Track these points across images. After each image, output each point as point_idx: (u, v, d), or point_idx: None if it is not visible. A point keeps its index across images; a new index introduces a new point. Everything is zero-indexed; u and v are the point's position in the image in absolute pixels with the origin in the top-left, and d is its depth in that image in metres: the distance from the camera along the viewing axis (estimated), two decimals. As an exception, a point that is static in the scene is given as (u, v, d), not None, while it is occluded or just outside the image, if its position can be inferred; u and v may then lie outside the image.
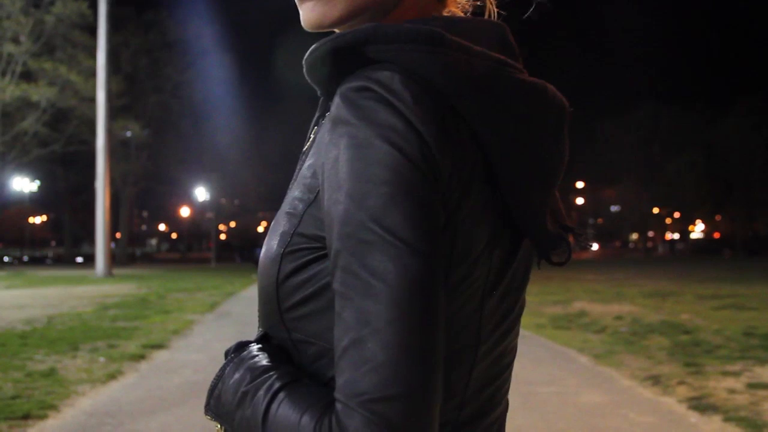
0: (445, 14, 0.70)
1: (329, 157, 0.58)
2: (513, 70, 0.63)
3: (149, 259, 62.69)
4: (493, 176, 0.62)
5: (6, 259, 51.91)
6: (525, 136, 0.62)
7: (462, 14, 0.74)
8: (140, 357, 7.34)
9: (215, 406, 0.69)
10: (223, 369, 0.70)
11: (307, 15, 0.68)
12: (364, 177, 0.55)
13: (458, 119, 0.59)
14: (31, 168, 40.86)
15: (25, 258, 55.39)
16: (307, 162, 0.68)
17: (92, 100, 27.34)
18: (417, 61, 0.58)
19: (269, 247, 0.66)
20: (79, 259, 53.49)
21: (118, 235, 48.03)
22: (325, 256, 0.61)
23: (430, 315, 0.54)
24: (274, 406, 0.59)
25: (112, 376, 6.31)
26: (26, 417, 4.83)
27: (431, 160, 0.56)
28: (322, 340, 0.62)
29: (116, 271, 27.37)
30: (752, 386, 5.66)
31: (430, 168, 0.56)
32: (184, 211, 64.63)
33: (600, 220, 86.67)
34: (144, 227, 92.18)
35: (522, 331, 9.79)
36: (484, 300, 0.65)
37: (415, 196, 0.55)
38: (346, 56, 0.60)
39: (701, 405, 5.09)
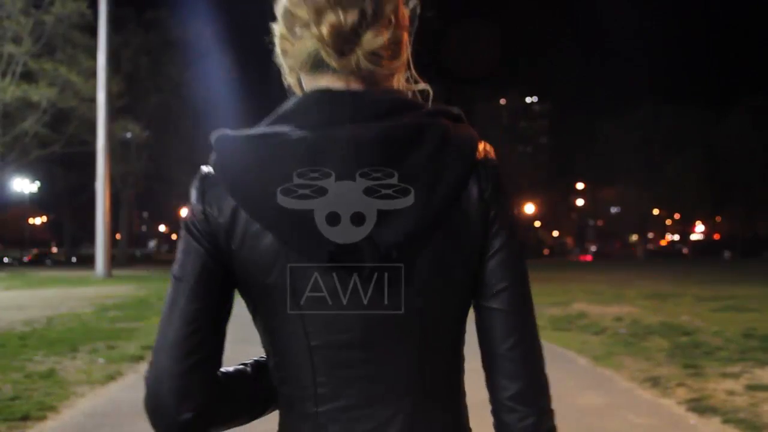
0: (322, 84, 0.91)
1: None
2: (290, 128, 0.88)
3: (149, 260, 62.69)
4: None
5: (6, 260, 51.88)
6: (270, 182, 0.85)
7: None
8: (139, 358, 7.34)
9: None
10: None
11: None
12: None
13: (217, 182, 0.89)
14: (31, 169, 40.86)
15: (25, 259, 55.36)
16: None
17: (92, 100, 27.30)
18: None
19: None
20: (73, 259, 53.71)
21: (118, 236, 48.02)
22: None
23: (168, 311, 0.89)
24: None
25: (111, 378, 6.31)
26: (25, 418, 4.83)
27: (194, 218, 0.90)
28: None
29: (116, 272, 27.35)
30: (751, 388, 5.66)
31: (193, 222, 0.90)
32: (185, 212, 64.53)
33: (600, 222, 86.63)
34: (144, 228, 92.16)
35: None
36: (298, 298, 0.87)
37: (181, 244, 0.91)
38: None
39: (700, 407, 5.10)
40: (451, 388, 0.93)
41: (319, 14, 0.88)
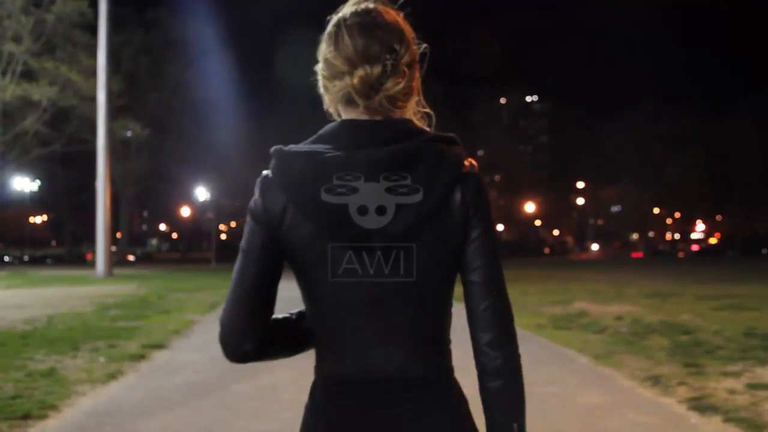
0: (351, 116, 1.22)
1: None
2: (327, 147, 1.18)
3: (149, 259, 62.70)
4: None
5: (6, 258, 51.89)
6: (311, 185, 1.15)
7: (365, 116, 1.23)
8: (140, 357, 7.34)
9: None
10: None
11: None
12: None
13: (274, 183, 1.19)
14: (32, 168, 40.86)
15: (26, 258, 55.37)
16: None
17: (93, 99, 27.25)
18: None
19: None
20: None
21: (118, 234, 48.00)
22: None
23: (237, 275, 1.21)
24: None
25: (112, 376, 6.31)
26: (26, 417, 4.83)
27: (256, 208, 1.20)
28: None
29: (116, 271, 27.36)
30: (752, 387, 5.66)
31: (256, 210, 1.20)
32: (185, 211, 64.62)
33: (600, 221, 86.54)
34: (144, 227, 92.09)
35: (522, 332, 9.77)
36: (335, 269, 1.17)
37: (247, 227, 1.22)
38: None
39: (701, 405, 5.09)
40: (438, 337, 1.23)
41: (352, 67, 1.18)
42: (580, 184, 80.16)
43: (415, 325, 1.19)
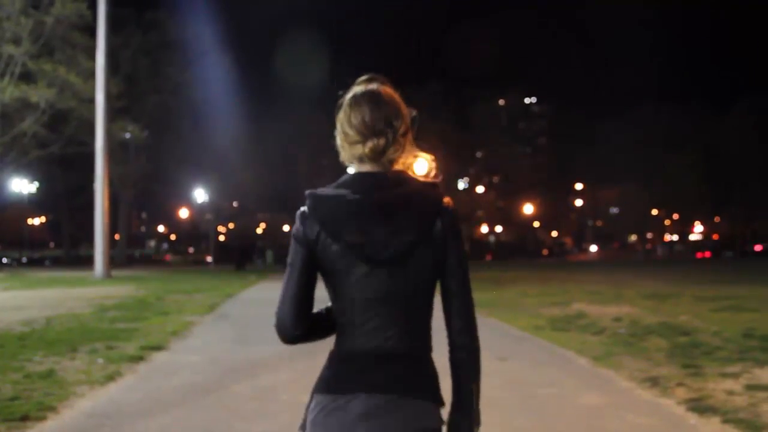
0: (362, 169, 1.66)
1: None
2: (348, 192, 1.61)
3: (149, 261, 62.59)
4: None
5: (4, 260, 51.80)
6: (337, 218, 1.59)
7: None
8: (139, 358, 7.33)
9: None
10: None
11: None
12: None
13: (310, 216, 1.61)
14: (30, 169, 40.79)
15: (24, 259, 55.27)
16: None
17: (91, 101, 27.23)
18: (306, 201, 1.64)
19: None
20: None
21: (116, 236, 47.94)
22: None
23: (287, 281, 1.64)
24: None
25: (110, 378, 6.30)
26: (25, 418, 4.82)
27: (298, 233, 1.63)
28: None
29: (115, 272, 27.31)
30: (751, 388, 5.65)
31: (298, 235, 1.63)
32: (183, 213, 64.53)
33: (599, 222, 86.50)
34: (143, 229, 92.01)
35: (520, 333, 9.81)
36: (351, 275, 1.59)
37: (291, 247, 1.65)
38: None
39: (700, 406, 5.09)
40: (423, 325, 1.66)
41: (363, 138, 1.63)
42: (579, 186, 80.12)
43: (407, 316, 1.63)
